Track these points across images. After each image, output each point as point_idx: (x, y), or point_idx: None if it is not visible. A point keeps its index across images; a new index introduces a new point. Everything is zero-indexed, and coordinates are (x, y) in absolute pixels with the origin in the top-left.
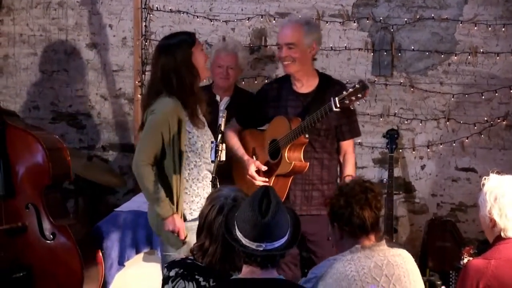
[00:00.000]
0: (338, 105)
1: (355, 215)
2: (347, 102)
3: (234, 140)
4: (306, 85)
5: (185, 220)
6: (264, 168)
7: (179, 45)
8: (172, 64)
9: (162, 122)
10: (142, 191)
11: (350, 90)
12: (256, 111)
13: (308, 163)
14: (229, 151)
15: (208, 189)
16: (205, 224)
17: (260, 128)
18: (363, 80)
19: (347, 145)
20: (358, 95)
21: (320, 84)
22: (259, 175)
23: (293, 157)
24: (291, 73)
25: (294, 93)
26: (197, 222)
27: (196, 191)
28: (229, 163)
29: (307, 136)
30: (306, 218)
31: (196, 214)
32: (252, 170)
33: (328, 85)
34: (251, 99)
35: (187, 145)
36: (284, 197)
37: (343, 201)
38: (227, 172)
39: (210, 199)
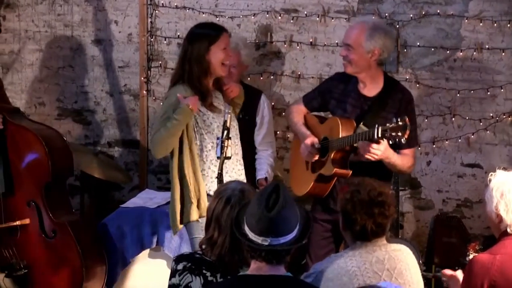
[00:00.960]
0: (380, 136)
1: (358, 223)
2: (387, 136)
3: (298, 117)
4: (368, 88)
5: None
6: (317, 145)
7: (200, 37)
8: (188, 53)
9: (173, 105)
10: (162, 144)
11: (393, 124)
12: (321, 97)
13: (351, 171)
14: (291, 124)
15: (232, 173)
16: (213, 217)
17: (320, 116)
18: (407, 120)
19: (403, 154)
20: (399, 133)
21: (384, 90)
22: (310, 165)
23: (338, 162)
24: (349, 73)
25: (358, 92)
26: None
27: (216, 172)
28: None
29: (355, 145)
30: None
31: None
32: (309, 141)
33: (391, 92)
34: (317, 88)
35: (202, 128)
36: (328, 191)
37: (350, 207)
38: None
39: (217, 193)
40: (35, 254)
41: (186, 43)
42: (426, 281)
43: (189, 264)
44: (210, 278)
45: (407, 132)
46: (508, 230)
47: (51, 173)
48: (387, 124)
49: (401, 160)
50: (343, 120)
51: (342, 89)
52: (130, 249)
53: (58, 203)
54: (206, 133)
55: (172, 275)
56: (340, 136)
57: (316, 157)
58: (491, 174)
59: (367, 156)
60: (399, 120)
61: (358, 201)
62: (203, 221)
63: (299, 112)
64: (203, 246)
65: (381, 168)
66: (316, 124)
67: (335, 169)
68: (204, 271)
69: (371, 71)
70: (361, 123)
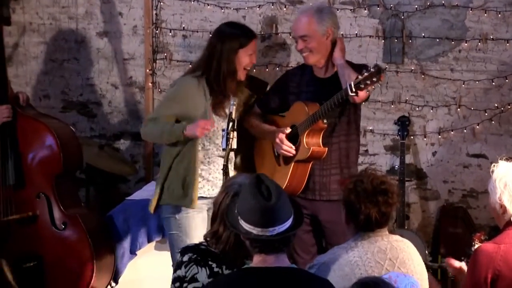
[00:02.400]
0: (353, 90)
1: (362, 213)
2: (362, 86)
3: (257, 121)
4: (326, 70)
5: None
6: (287, 131)
7: (232, 38)
8: (218, 50)
9: (178, 96)
10: (152, 140)
11: (365, 74)
12: (277, 96)
13: (327, 148)
14: (254, 131)
15: (216, 175)
16: (219, 211)
17: (281, 114)
18: (379, 64)
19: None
20: (373, 79)
21: None
22: (282, 160)
23: (312, 143)
24: (312, 63)
25: (315, 78)
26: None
27: (199, 172)
28: (251, 151)
29: (325, 121)
30: (324, 204)
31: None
32: (280, 135)
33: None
34: (271, 89)
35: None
36: (304, 183)
37: (354, 197)
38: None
39: (224, 187)
40: (45, 245)
41: (216, 40)
42: (432, 271)
43: (195, 255)
44: (216, 270)
45: (382, 75)
46: None
47: (62, 165)
48: (359, 76)
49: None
50: (307, 102)
51: (298, 81)
52: (137, 242)
53: (68, 195)
54: (206, 135)
55: (178, 267)
56: (309, 115)
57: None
58: (494, 165)
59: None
60: (369, 68)
61: (362, 190)
62: (180, 218)
63: (256, 117)
64: (208, 239)
65: (350, 138)
66: (278, 119)
67: (311, 148)
68: (210, 262)
69: (328, 53)
70: (322, 105)
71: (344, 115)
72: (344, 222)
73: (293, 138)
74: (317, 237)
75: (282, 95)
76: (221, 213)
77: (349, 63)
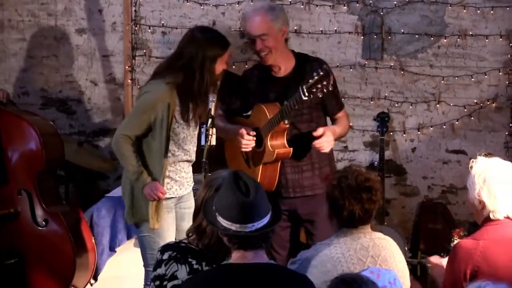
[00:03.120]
0: (306, 94)
1: (346, 210)
2: (314, 90)
3: (223, 122)
4: (283, 69)
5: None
6: (252, 133)
7: (213, 44)
8: (199, 60)
9: (152, 105)
10: (122, 164)
11: (315, 78)
12: (237, 98)
13: (292, 149)
14: (220, 133)
15: (183, 174)
16: (201, 205)
17: (245, 114)
18: (327, 67)
19: (339, 118)
20: (324, 83)
21: (297, 65)
22: (251, 162)
23: (276, 145)
24: (271, 63)
25: (273, 78)
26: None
27: (167, 173)
28: (221, 149)
29: (286, 122)
30: (300, 200)
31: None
32: (242, 131)
33: (305, 63)
34: (228, 85)
35: (171, 135)
36: (276, 181)
37: (338, 193)
38: (219, 157)
39: (207, 182)
40: (26, 242)
41: (196, 49)
42: (412, 267)
43: (175, 253)
44: (195, 266)
45: (331, 78)
46: (491, 216)
47: (45, 161)
48: (309, 81)
49: (341, 126)
50: (267, 104)
51: (256, 82)
52: (116, 239)
53: (50, 192)
54: (171, 139)
55: (158, 266)
56: (269, 118)
57: (254, 144)
58: (473, 161)
59: (324, 150)
60: (319, 71)
61: (346, 186)
62: (154, 235)
63: (222, 119)
64: (190, 234)
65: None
66: (242, 121)
67: (276, 151)
68: (189, 259)
69: (283, 51)
70: (284, 102)
71: (308, 113)
72: (327, 217)
73: (259, 141)
74: (293, 234)
75: (242, 96)
76: (203, 207)
77: (304, 55)
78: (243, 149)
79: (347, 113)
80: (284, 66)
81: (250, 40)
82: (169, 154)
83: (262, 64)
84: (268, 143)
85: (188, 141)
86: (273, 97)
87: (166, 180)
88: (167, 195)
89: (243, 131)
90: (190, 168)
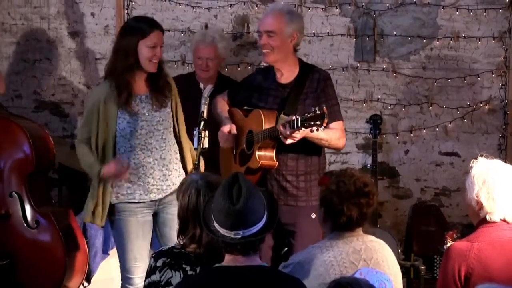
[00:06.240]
0: (299, 126)
1: (344, 215)
2: (307, 125)
3: (223, 107)
4: (286, 75)
5: (110, 204)
6: (234, 132)
7: (131, 31)
8: (117, 45)
9: (91, 105)
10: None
11: (311, 113)
12: (244, 91)
13: (277, 163)
14: (215, 114)
15: (149, 179)
16: (188, 214)
17: (245, 108)
18: (324, 108)
19: (329, 128)
20: (317, 122)
21: (300, 74)
22: (238, 159)
23: (264, 156)
24: (270, 62)
25: (276, 83)
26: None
27: (127, 177)
28: (216, 152)
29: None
30: (283, 208)
31: (122, 198)
32: (225, 129)
33: (308, 74)
34: (240, 83)
35: (117, 130)
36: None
37: (336, 199)
38: (213, 160)
39: (182, 190)
40: (17, 244)
41: (119, 36)
42: (405, 269)
43: (168, 259)
44: (190, 272)
45: (325, 120)
46: (487, 217)
47: (35, 163)
48: (306, 114)
49: (326, 133)
50: (265, 112)
51: (262, 81)
52: (109, 241)
53: (41, 194)
54: (119, 136)
55: (152, 272)
56: (263, 128)
57: (232, 144)
58: (473, 161)
59: (288, 141)
60: (317, 109)
61: (345, 192)
62: (115, 221)
63: (223, 104)
64: (187, 244)
65: (308, 144)
66: (241, 118)
67: (261, 161)
68: (184, 266)
69: (289, 58)
70: (282, 113)
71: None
72: (321, 220)
73: (249, 143)
74: (277, 239)
75: (248, 90)
76: (191, 214)
77: (309, 66)
78: (220, 143)
79: (343, 129)
80: (286, 73)
81: (258, 33)
82: (122, 151)
83: (268, 68)
84: (256, 152)
85: (139, 136)
86: (271, 100)
87: (125, 184)
88: (120, 199)
89: (226, 129)
90: (167, 173)
